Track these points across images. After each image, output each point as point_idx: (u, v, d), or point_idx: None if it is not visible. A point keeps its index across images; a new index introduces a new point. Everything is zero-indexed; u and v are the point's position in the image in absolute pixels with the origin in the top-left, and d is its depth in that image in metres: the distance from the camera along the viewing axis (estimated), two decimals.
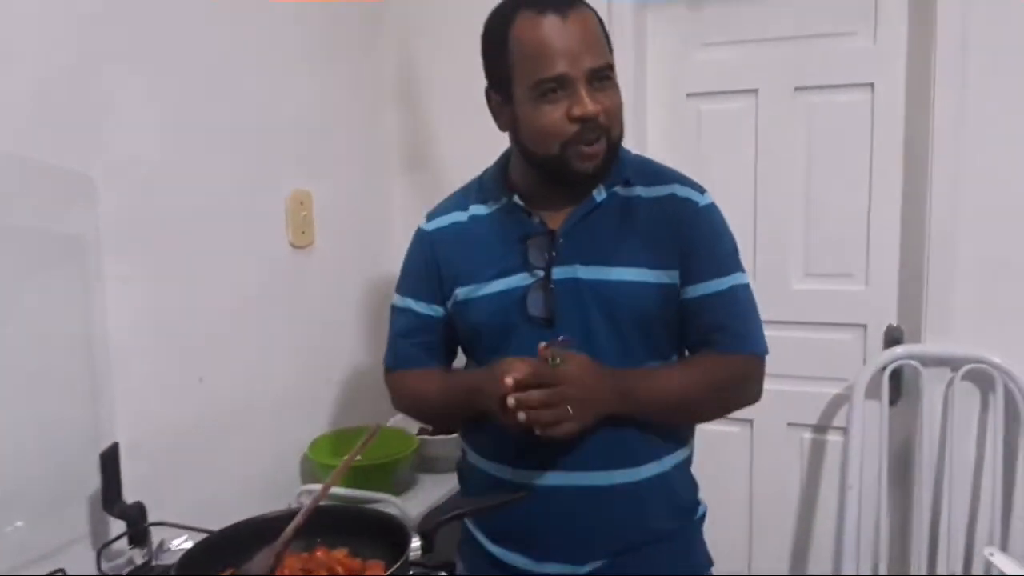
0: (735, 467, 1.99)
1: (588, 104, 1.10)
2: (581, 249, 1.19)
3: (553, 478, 1.18)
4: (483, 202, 1.26)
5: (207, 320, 1.53)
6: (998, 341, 1.67)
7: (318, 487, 1.07)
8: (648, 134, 1.95)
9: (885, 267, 1.81)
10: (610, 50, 1.16)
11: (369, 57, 2.05)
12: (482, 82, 1.12)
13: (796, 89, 1.83)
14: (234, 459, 1.60)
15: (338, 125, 1.93)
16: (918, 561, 1.76)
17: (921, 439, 1.75)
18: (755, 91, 1.86)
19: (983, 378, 1.71)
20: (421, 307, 1.29)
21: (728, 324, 1.22)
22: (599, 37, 1.14)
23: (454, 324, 1.28)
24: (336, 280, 1.93)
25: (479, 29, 1.19)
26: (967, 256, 1.68)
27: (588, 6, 1.15)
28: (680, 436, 1.25)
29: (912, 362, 1.74)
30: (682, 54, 1.92)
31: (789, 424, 1.93)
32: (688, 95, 1.93)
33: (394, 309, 1.34)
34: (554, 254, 1.18)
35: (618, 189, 1.21)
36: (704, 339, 1.22)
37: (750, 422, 1.95)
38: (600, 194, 1.20)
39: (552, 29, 1.10)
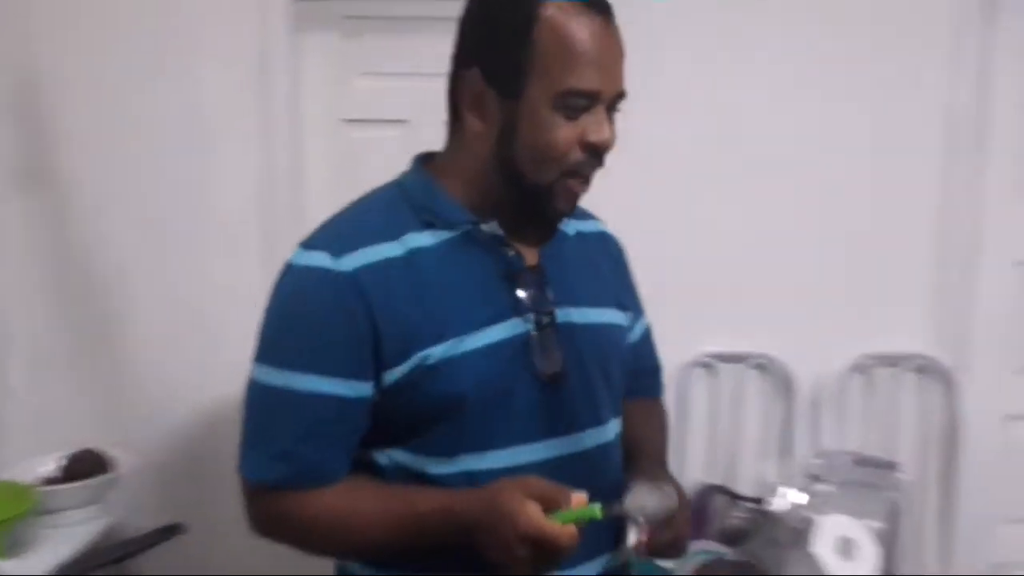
0: None
1: (607, 132, 0.92)
2: (566, 288, 1.01)
3: None
4: (426, 228, 0.95)
5: None
6: None
7: None
8: (307, 159, 1.94)
9: None
10: None
11: None
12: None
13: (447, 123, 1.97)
14: None
15: None
16: None
17: None
18: (407, 121, 1.96)
19: None
20: (340, 387, 0.90)
21: (657, 366, 1.22)
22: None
23: (395, 402, 0.92)
24: None
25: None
26: None
27: None
28: None
29: None
30: (338, 81, 1.96)
31: None
32: (344, 121, 1.97)
33: (276, 394, 0.91)
34: (550, 294, 0.98)
35: (569, 221, 1.06)
36: (640, 384, 1.16)
37: None
38: (566, 225, 1.05)
39: (600, 33, 0.90)
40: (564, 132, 0.91)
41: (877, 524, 1.82)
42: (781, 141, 1.91)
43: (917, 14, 1.89)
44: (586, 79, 0.89)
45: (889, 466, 1.49)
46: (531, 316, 0.96)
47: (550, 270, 1.00)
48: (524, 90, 0.91)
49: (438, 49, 1.91)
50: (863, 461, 1.49)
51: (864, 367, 1.97)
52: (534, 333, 0.95)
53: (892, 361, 1.98)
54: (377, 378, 0.91)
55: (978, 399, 1.97)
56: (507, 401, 0.94)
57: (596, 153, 0.93)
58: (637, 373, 1.16)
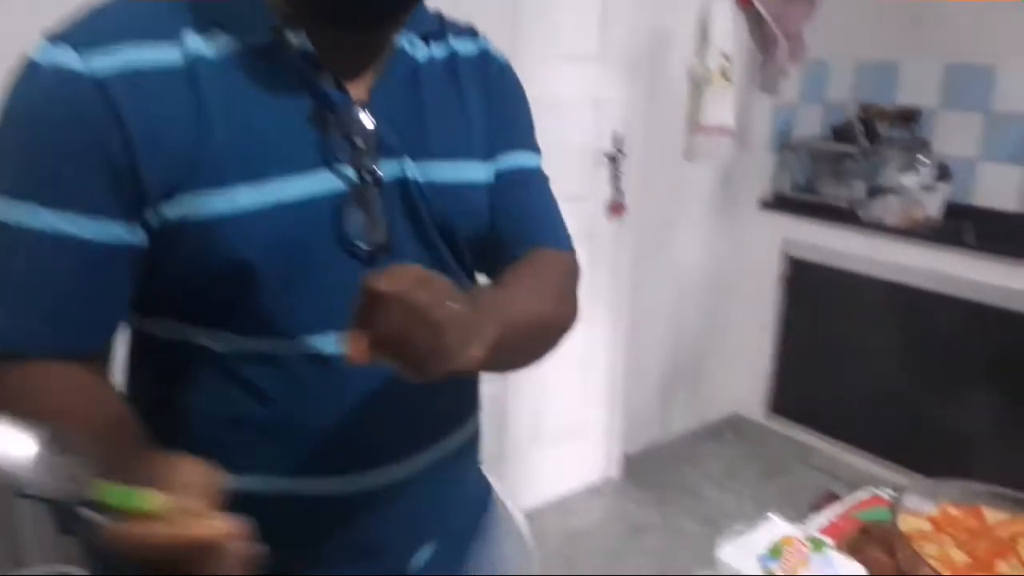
0: None
1: None
2: (409, 135, 0.75)
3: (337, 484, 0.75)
4: (212, 29, 0.69)
5: None
6: None
7: None
8: None
9: None
10: None
11: None
12: None
13: None
14: None
15: None
16: None
17: None
18: None
19: None
20: (82, 227, 0.65)
21: (552, 208, 0.88)
22: None
23: (163, 260, 0.69)
24: None
25: None
26: None
27: None
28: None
29: None
30: None
31: None
32: None
33: (6, 232, 0.65)
34: (380, 142, 0.73)
35: (432, 43, 0.80)
36: (522, 229, 0.84)
37: None
38: (415, 48, 0.78)
39: None
40: None
41: None
42: None
43: None
44: None
45: None
46: (349, 170, 0.72)
47: (386, 109, 0.75)
48: None
49: None
50: None
51: None
52: (350, 192, 0.72)
53: None
54: (139, 221, 0.68)
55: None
56: (308, 277, 0.71)
57: None
58: (514, 214, 0.85)
